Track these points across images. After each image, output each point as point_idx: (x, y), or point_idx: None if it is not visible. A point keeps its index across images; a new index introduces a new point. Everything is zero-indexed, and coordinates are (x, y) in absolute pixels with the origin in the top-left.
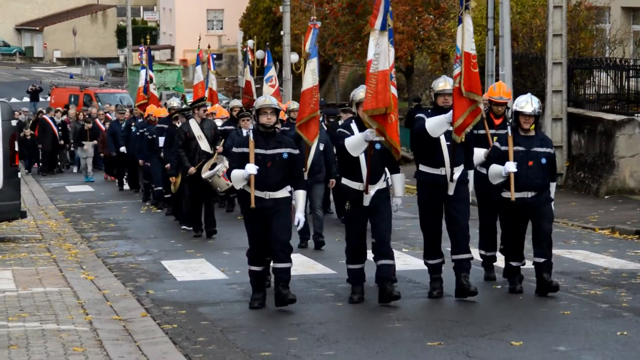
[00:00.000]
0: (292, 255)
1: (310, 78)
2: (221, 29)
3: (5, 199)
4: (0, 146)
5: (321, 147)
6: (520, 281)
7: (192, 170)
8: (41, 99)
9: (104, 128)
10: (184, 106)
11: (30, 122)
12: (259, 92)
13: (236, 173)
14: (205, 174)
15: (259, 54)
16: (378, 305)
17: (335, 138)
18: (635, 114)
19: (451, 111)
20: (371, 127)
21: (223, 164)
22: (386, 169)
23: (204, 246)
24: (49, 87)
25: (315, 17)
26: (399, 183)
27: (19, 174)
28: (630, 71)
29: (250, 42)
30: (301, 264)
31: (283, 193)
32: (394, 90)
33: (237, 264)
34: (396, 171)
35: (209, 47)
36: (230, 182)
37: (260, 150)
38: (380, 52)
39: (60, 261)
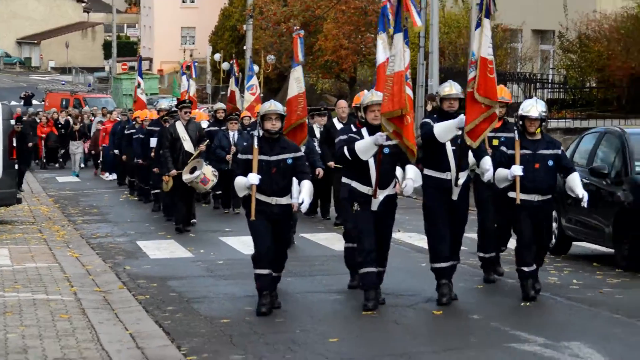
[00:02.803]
0: (250, 238)
1: (295, 86)
2: (193, 44)
3: (4, 187)
4: (0, 142)
5: (302, 149)
6: (533, 287)
7: (174, 172)
8: (34, 102)
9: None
10: (172, 109)
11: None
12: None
13: (239, 181)
14: (185, 176)
15: (225, 65)
16: (319, 280)
17: (347, 142)
18: None
19: (461, 116)
20: (387, 130)
21: (202, 171)
22: (397, 175)
23: (173, 229)
24: (43, 93)
25: (298, 27)
26: (412, 170)
27: (15, 166)
28: (537, 83)
29: (217, 56)
30: None
31: (288, 200)
32: (409, 91)
33: (201, 245)
34: (409, 163)
35: (191, 55)
36: (208, 186)
37: (265, 157)
38: (396, 53)
39: (50, 241)
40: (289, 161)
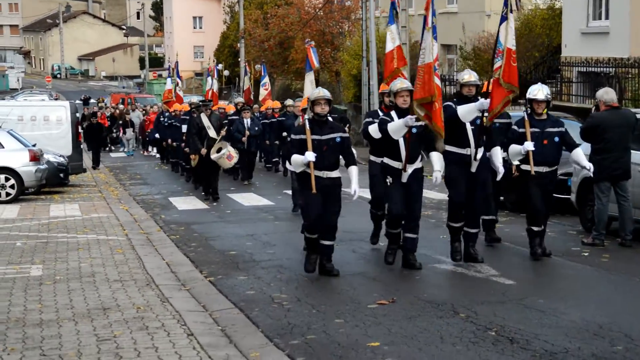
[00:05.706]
0: (249, 194)
1: (310, 87)
2: (202, 57)
3: (74, 160)
4: (70, 129)
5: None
6: (540, 245)
7: (203, 151)
8: (91, 101)
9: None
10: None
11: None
12: (221, 96)
13: (296, 158)
14: (213, 155)
15: (226, 72)
16: (300, 222)
17: (379, 123)
18: None
19: (481, 100)
20: (419, 114)
21: (227, 149)
22: (422, 152)
23: (195, 190)
24: (107, 94)
25: (309, 39)
26: (437, 159)
27: (82, 146)
28: (446, 82)
29: (219, 66)
30: (254, 199)
31: (337, 173)
32: (437, 81)
33: (215, 200)
34: (433, 150)
35: (214, 60)
36: (232, 162)
37: (316, 137)
38: (426, 46)
39: (107, 198)
40: (338, 139)
